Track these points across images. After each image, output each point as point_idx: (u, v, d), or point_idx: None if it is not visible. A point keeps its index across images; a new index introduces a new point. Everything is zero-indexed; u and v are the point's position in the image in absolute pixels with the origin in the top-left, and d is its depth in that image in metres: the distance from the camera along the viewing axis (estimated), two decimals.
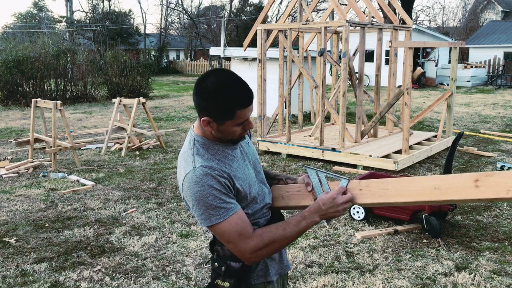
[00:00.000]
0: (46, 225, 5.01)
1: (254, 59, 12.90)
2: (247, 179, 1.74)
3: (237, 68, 13.32)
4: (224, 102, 1.60)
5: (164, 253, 4.30)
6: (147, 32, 41.54)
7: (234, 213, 1.63)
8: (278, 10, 42.08)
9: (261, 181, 1.86)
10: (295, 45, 10.22)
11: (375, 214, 5.00)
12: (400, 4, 19.42)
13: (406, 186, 1.67)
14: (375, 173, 5.44)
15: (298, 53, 9.47)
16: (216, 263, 1.79)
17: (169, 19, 43.46)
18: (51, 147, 7.37)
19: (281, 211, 1.99)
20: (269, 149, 8.21)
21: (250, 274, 1.77)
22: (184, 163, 1.69)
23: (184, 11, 43.36)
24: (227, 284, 1.74)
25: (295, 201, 1.88)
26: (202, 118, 1.66)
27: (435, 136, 8.80)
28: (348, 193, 1.72)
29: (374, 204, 1.74)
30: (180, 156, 1.74)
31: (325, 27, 7.34)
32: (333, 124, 9.96)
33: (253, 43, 10.03)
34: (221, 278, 1.76)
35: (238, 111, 1.62)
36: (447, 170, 4.64)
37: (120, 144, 8.97)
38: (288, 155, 7.99)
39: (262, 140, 8.27)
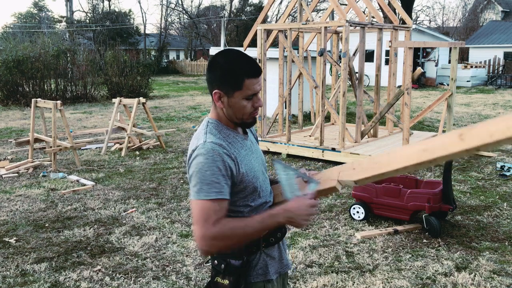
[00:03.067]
0: (46, 225, 5.01)
1: (254, 59, 12.89)
2: (252, 169, 1.77)
3: None
4: (232, 71, 1.68)
5: (164, 253, 4.30)
6: (147, 32, 41.56)
7: (220, 198, 1.63)
8: (278, 10, 42.11)
9: (266, 179, 1.89)
10: (295, 45, 10.23)
11: (375, 214, 5.00)
12: (400, 4, 19.42)
13: (396, 155, 1.71)
14: None
15: (298, 53, 9.47)
16: (216, 261, 1.80)
17: (169, 19, 43.49)
18: (51, 147, 7.37)
19: None
20: (269, 149, 8.21)
21: (249, 272, 1.78)
22: (195, 140, 1.75)
23: (184, 11, 43.42)
24: (226, 281, 1.75)
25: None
26: (214, 91, 1.72)
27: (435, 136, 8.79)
28: (313, 201, 1.71)
29: (370, 178, 1.75)
30: (193, 136, 1.80)
31: (325, 27, 7.34)
32: (333, 124, 9.96)
33: (253, 43, 10.04)
34: (220, 275, 1.77)
35: (246, 80, 1.68)
36: (447, 170, 4.64)
37: (120, 144, 8.97)
38: (288, 155, 7.99)
39: (262, 140, 8.27)
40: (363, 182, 1.79)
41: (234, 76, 1.68)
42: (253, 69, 1.70)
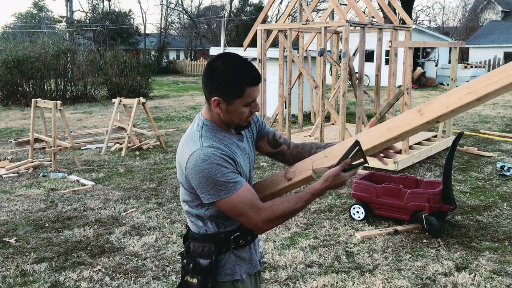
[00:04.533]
0: (46, 225, 5.01)
1: (254, 59, 12.87)
2: (245, 170, 1.81)
3: None
4: (234, 79, 1.67)
5: (164, 253, 4.30)
6: (147, 32, 41.55)
7: (241, 186, 1.69)
8: (278, 10, 42.11)
9: (249, 178, 1.92)
10: (295, 45, 10.23)
11: (375, 214, 5.00)
12: (400, 4, 19.42)
13: (364, 137, 1.81)
14: (375, 173, 5.43)
15: (298, 53, 9.47)
16: (185, 260, 1.85)
17: (169, 19, 43.48)
18: (51, 147, 7.37)
19: None
20: None
21: (217, 271, 1.82)
22: (190, 142, 1.73)
23: (184, 11, 43.42)
24: (195, 280, 1.80)
25: (270, 190, 1.97)
26: (213, 99, 1.70)
27: (435, 136, 8.80)
28: (349, 172, 1.79)
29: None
30: (185, 136, 1.78)
31: (325, 27, 7.34)
32: (333, 124, 9.96)
33: (253, 43, 10.04)
34: (190, 274, 1.81)
35: (247, 88, 1.68)
36: (447, 170, 4.64)
37: (120, 144, 8.97)
38: None
39: None
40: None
41: (235, 84, 1.67)
42: (255, 77, 1.70)
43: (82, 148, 8.75)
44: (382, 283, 3.70)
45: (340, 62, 7.57)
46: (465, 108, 1.62)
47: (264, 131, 2.01)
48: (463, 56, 29.71)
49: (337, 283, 3.72)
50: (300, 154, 2.02)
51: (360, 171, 6.98)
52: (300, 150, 2.02)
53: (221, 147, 1.70)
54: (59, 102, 7.20)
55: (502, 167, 7.09)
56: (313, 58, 11.12)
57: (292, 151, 2.03)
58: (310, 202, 1.78)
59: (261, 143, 2.02)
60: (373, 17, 8.33)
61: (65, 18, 40.18)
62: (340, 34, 9.14)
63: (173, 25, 46.30)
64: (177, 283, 2.08)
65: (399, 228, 4.77)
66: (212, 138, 1.73)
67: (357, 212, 5.04)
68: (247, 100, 1.70)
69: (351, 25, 7.22)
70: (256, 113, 1.87)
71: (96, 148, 8.95)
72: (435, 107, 1.66)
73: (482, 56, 26.97)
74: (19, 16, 42.57)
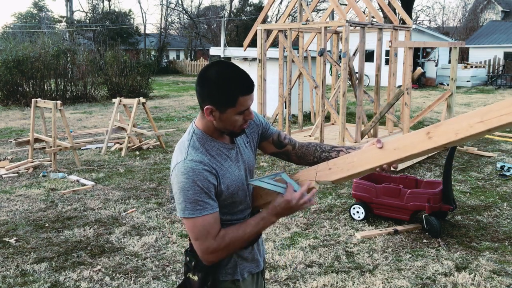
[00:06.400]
0: (46, 225, 5.01)
1: (254, 59, 12.90)
2: (235, 180, 1.79)
3: None
4: (226, 89, 1.66)
5: (164, 253, 4.30)
6: (147, 32, 41.53)
7: (208, 213, 1.68)
8: (278, 10, 42.10)
9: (247, 184, 1.91)
10: (295, 45, 10.23)
11: (375, 214, 5.00)
12: (400, 4, 19.41)
13: (370, 155, 1.79)
14: (374, 173, 5.43)
15: (298, 53, 9.47)
16: (188, 258, 1.88)
17: (169, 19, 43.46)
18: (51, 147, 7.37)
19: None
20: None
21: (219, 270, 1.84)
22: (178, 152, 1.76)
23: (184, 11, 43.42)
24: (196, 277, 1.82)
25: (273, 197, 1.95)
26: (205, 107, 1.70)
27: None
28: (304, 197, 1.76)
29: (346, 178, 1.83)
30: (178, 144, 1.81)
31: (325, 27, 7.34)
32: (333, 124, 9.96)
33: (253, 43, 10.04)
34: (191, 271, 1.84)
35: (239, 98, 1.67)
36: (447, 170, 4.64)
37: (120, 144, 8.97)
38: None
39: None
40: (339, 181, 1.86)
41: (227, 94, 1.66)
42: (247, 86, 1.68)
43: (82, 148, 8.75)
44: (382, 283, 3.71)
45: (340, 62, 7.57)
46: (475, 137, 1.57)
47: (268, 133, 2.01)
48: (463, 56, 29.70)
49: (337, 283, 3.72)
50: (305, 155, 2.03)
51: None
52: (305, 151, 2.03)
53: (205, 160, 1.70)
54: (59, 102, 7.20)
55: (502, 167, 7.09)
56: (313, 58, 11.12)
57: (297, 152, 2.04)
58: (260, 227, 1.76)
59: (266, 143, 2.03)
60: (373, 17, 8.34)
61: (65, 18, 40.17)
62: (340, 34, 9.14)
63: (173, 25, 46.30)
64: (180, 281, 2.09)
65: (399, 228, 4.77)
66: (199, 149, 1.73)
67: (357, 212, 5.04)
68: (239, 109, 1.69)
69: (351, 25, 7.22)
70: (260, 115, 1.87)
71: (96, 148, 8.95)
72: (445, 132, 1.61)
73: (482, 56, 26.95)
74: (19, 16, 42.55)
